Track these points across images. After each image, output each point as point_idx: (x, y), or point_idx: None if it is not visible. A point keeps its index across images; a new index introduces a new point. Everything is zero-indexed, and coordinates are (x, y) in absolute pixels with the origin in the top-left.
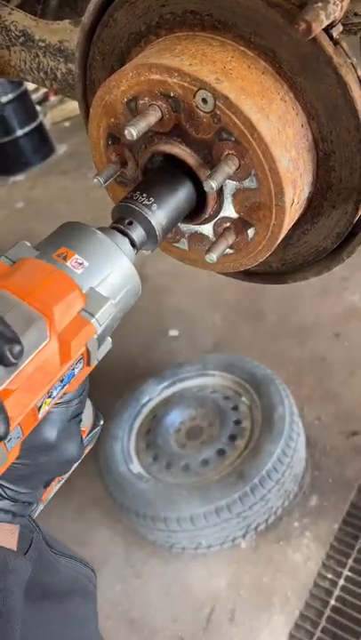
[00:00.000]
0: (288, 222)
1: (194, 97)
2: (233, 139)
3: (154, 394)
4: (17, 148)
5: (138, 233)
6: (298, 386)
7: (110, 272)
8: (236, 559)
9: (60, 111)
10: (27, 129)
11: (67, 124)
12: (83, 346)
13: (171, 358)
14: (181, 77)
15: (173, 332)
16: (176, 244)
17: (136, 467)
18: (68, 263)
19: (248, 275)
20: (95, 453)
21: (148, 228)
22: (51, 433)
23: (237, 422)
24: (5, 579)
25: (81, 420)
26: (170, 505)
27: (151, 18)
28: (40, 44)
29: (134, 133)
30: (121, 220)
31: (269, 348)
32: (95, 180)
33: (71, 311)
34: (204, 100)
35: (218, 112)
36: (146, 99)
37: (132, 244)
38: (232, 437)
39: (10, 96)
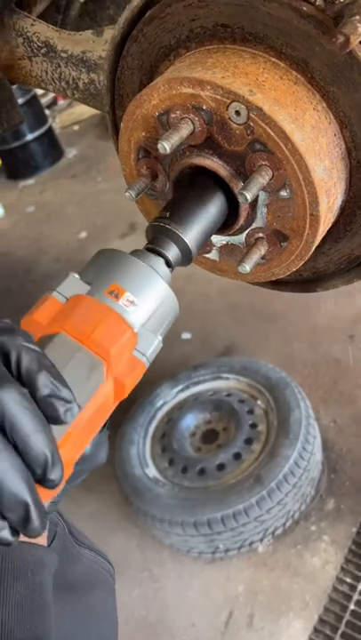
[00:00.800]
0: (322, 231)
1: (227, 109)
2: (266, 150)
3: (168, 397)
4: (27, 152)
5: (173, 253)
6: (313, 388)
7: (157, 308)
8: (254, 563)
9: (68, 115)
10: (36, 133)
11: (76, 127)
12: (135, 384)
13: (184, 361)
14: (214, 90)
15: (186, 335)
16: (207, 255)
17: (152, 471)
18: (120, 302)
19: (276, 283)
20: (111, 458)
21: (183, 247)
22: (87, 448)
23: (253, 426)
24: (42, 573)
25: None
26: (187, 509)
27: (181, 32)
28: (62, 54)
29: (167, 147)
30: (155, 240)
31: (284, 350)
32: (127, 194)
33: (126, 352)
34: (237, 113)
35: (251, 124)
36: (178, 112)
37: (168, 263)
38: (248, 441)
39: (20, 101)
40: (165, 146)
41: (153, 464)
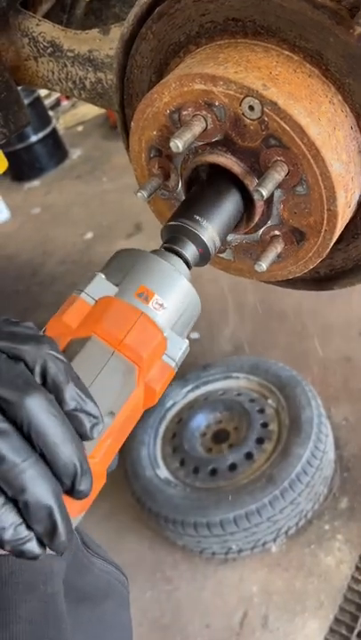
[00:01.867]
0: (340, 228)
1: (240, 104)
2: (282, 145)
3: (178, 397)
4: (31, 154)
5: (191, 252)
6: (324, 387)
7: (184, 311)
8: (268, 563)
9: (72, 116)
10: (40, 135)
11: (79, 128)
12: (164, 389)
13: (193, 361)
14: (227, 86)
15: (195, 335)
16: (221, 255)
17: (163, 472)
18: (150, 305)
19: (291, 282)
20: (122, 459)
21: (202, 246)
22: None
23: (264, 425)
24: (53, 583)
25: None
26: (199, 510)
27: (191, 28)
28: (69, 54)
29: (180, 145)
30: (174, 240)
31: (293, 348)
32: (139, 194)
33: (157, 357)
34: (251, 107)
35: (266, 118)
36: (190, 109)
37: (186, 263)
38: (259, 441)
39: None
40: (178, 144)
41: (164, 465)
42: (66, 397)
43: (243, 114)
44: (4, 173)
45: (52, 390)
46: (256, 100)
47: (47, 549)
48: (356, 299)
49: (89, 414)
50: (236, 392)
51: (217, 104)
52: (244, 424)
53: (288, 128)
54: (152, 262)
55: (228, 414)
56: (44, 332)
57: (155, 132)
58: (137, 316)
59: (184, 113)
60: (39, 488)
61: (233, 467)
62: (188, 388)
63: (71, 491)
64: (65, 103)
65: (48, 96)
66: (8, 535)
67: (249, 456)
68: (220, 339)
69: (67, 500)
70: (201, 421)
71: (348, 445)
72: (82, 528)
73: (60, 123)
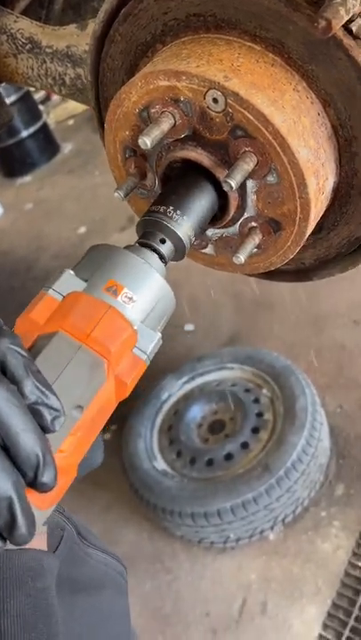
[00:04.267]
0: (315, 214)
1: (204, 98)
2: (248, 135)
3: (173, 389)
4: (22, 149)
5: (166, 247)
6: (318, 375)
7: (155, 304)
8: (265, 551)
9: (63, 110)
10: (31, 129)
11: (70, 122)
12: (136, 382)
13: (188, 353)
14: (189, 80)
15: (189, 327)
16: (203, 251)
17: (160, 463)
18: (118, 298)
19: (271, 274)
20: (119, 452)
21: (176, 240)
22: None
23: (259, 415)
24: (44, 579)
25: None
26: (197, 500)
27: (155, 27)
28: (47, 50)
29: (148, 142)
30: (148, 235)
31: (288, 338)
32: (116, 194)
33: (126, 351)
34: (215, 100)
35: (230, 110)
36: (157, 107)
37: (161, 257)
38: (255, 430)
39: (13, 98)
40: (146, 141)
41: (161, 457)
42: (25, 391)
43: (208, 107)
44: None
45: (12, 384)
46: (219, 92)
47: (7, 543)
48: (349, 286)
49: (50, 407)
50: (231, 383)
51: (182, 99)
52: (240, 414)
53: (252, 118)
54: (122, 257)
55: (224, 405)
56: (13, 329)
57: (127, 132)
58: (105, 310)
59: (152, 111)
60: None
61: (229, 456)
62: (184, 379)
63: (34, 482)
64: (55, 97)
65: (38, 90)
66: None
67: (245, 445)
68: (215, 330)
69: (35, 493)
70: (197, 413)
71: (344, 433)
72: (78, 520)
73: (51, 117)
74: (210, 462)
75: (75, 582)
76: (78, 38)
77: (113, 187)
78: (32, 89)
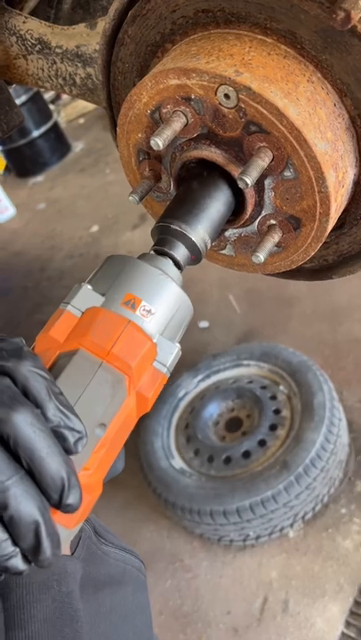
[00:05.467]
0: (335, 209)
1: (215, 94)
2: (262, 130)
3: (190, 387)
4: (34, 149)
5: (181, 253)
6: (336, 370)
7: (173, 315)
8: (286, 549)
9: (73, 109)
10: (42, 129)
11: (81, 120)
12: (157, 395)
13: (203, 350)
14: (200, 77)
15: (203, 324)
16: (222, 252)
17: (178, 462)
18: (137, 312)
19: (291, 273)
20: (136, 451)
21: (191, 246)
22: None
23: (277, 412)
24: (68, 582)
25: None
26: (215, 498)
27: (164, 26)
28: (57, 50)
29: (160, 143)
30: (162, 242)
31: (303, 333)
32: (130, 198)
33: (147, 365)
34: (227, 96)
35: (242, 105)
36: (168, 106)
37: (177, 264)
38: (272, 427)
39: (23, 98)
40: (158, 142)
41: (178, 455)
42: (48, 414)
43: (220, 103)
44: (8, 170)
45: (36, 407)
46: (230, 88)
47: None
48: None
49: (72, 429)
50: (247, 379)
51: (193, 97)
52: (257, 411)
53: (266, 112)
54: (139, 269)
55: (241, 402)
56: (33, 347)
57: (140, 135)
58: (124, 325)
59: (164, 111)
60: (24, 505)
61: (247, 454)
62: (200, 377)
63: (59, 505)
64: (65, 96)
65: (48, 90)
66: None
67: (262, 443)
68: (230, 326)
69: (61, 514)
70: (213, 410)
71: None
72: (95, 518)
73: (62, 116)
74: (228, 460)
75: (96, 581)
76: (88, 37)
77: (124, 184)
78: (42, 89)
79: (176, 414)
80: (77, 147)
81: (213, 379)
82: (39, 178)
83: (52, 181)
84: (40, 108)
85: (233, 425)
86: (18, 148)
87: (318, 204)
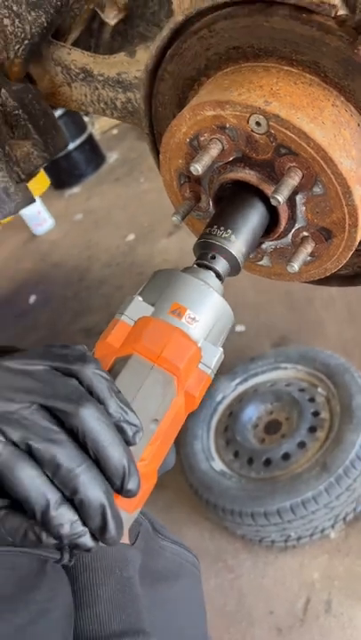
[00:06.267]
0: None
1: (248, 122)
2: (292, 152)
3: (227, 391)
4: (70, 161)
5: (222, 265)
6: None
7: (216, 321)
8: (327, 550)
9: (106, 120)
10: (78, 142)
11: (115, 131)
12: (203, 394)
13: (241, 354)
14: (233, 108)
15: (240, 328)
16: (260, 263)
17: (218, 464)
18: (183, 320)
19: (325, 280)
20: (177, 453)
21: (230, 258)
22: None
23: (316, 414)
24: (128, 569)
25: None
26: (256, 500)
27: (199, 62)
28: (99, 78)
29: (199, 168)
30: (204, 256)
31: (341, 335)
32: (173, 218)
33: (193, 367)
34: (258, 123)
35: (272, 131)
36: (206, 135)
37: (218, 275)
38: (312, 429)
39: (59, 112)
40: (197, 167)
41: (218, 457)
42: (110, 410)
43: (252, 130)
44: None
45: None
46: (261, 116)
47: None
48: None
49: (130, 423)
50: (285, 382)
51: (228, 126)
52: (296, 414)
53: (294, 136)
54: (184, 281)
55: (279, 405)
56: (94, 353)
57: (180, 161)
58: (171, 332)
59: (202, 139)
60: (91, 490)
61: (286, 456)
62: (237, 380)
63: (120, 490)
64: None
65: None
66: (66, 530)
67: (302, 445)
68: (267, 330)
69: (122, 499)
70: (252, 413)
71: None
72: (152, 515)
73: (96, 128)
74: (267, 462)
75: (154, 573)
76: (128, 65)
77: (159, 192)
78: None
79: (215, 417)
80: (112, 157)
81: (251, 382)
82: (75, 189)
83: (89, 192)
84: (75, 121)
85: (272, 427)
86: (55, 161)
87: (347, 216)
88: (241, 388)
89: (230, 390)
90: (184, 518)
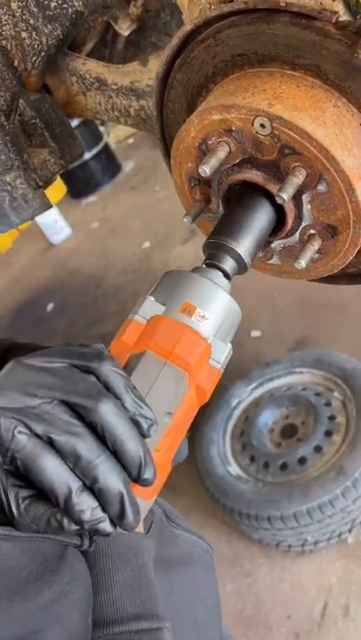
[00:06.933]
0: None
1: (252, 125)
2: (295, 152)
3: (243, 396)
4: (86, 170)
5: (229, 265)
6: None
7: (224, 318)
8: (345, 554)
9: (122, 130)
10: (94, 151)
11: (130, 140)
12: (213, 388)
13: (256, 359)
14: (238, 111)
15: (256, 333)
16: (270, 262)
17: (234, 468)
18: (193, 318)
19: (333, 278)
20: (194, 458)
21: (238, 257)
22: None
23: (332, 418)
24: (143, 556)
25: None
26: (273, 504)
27: (207, 70)
28: (113, 86)
29: (207, 170)
30: (212, 256)
31: (356, 338)
32: (185, 219)
33: (203, 362)
34: (262, 125)
35: (276, 132)
36: (213, 138)
37: (226, 275)
38: (328, 433)
39: (75, 122)
40: (205, 169)
41: (235, 462)
42: (127, 405)
43: (257, 132)
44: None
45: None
46: (265, 118)
47: (117, 528)
48: None
49: (145, 417)
50: (301, 387)
51: (234, 129)
52: (312, 418)
53: (297, 136)
54: (193, 280)
55: (295, 409)
56: (109, 350)
57: (190, 164)
58: (182, 329)
59: (209, 142)
60: (110, 479)
61: (303, 460)
62: (253, 385)
63: (137, 479)
64: None
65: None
66: (87, 516)
67: (318, 449)
68: (282, 334)
69: (139, 488)
70: (268, 417)
71: None
72: (165, 504)
73: (111, 137)
74: (284, 466)
75: (168, 560)
76: (141, 74)
77: (174, 201)
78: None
79: (231, 422)
80: (127, 166)
81: (267, 387)
82: (92, 198)
83: (105, 201)
84: (91, 131)
85: (288, 432)
86: (71, 170)
87: (351, 213)
88: (257, 393)
89: (246, 395)
90: (202, 523)
